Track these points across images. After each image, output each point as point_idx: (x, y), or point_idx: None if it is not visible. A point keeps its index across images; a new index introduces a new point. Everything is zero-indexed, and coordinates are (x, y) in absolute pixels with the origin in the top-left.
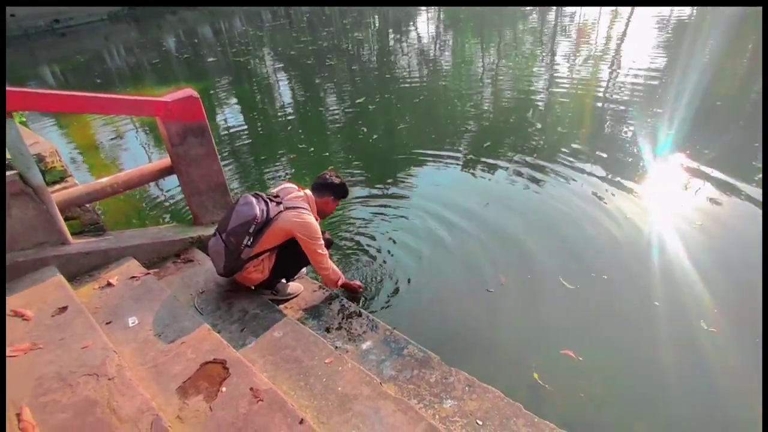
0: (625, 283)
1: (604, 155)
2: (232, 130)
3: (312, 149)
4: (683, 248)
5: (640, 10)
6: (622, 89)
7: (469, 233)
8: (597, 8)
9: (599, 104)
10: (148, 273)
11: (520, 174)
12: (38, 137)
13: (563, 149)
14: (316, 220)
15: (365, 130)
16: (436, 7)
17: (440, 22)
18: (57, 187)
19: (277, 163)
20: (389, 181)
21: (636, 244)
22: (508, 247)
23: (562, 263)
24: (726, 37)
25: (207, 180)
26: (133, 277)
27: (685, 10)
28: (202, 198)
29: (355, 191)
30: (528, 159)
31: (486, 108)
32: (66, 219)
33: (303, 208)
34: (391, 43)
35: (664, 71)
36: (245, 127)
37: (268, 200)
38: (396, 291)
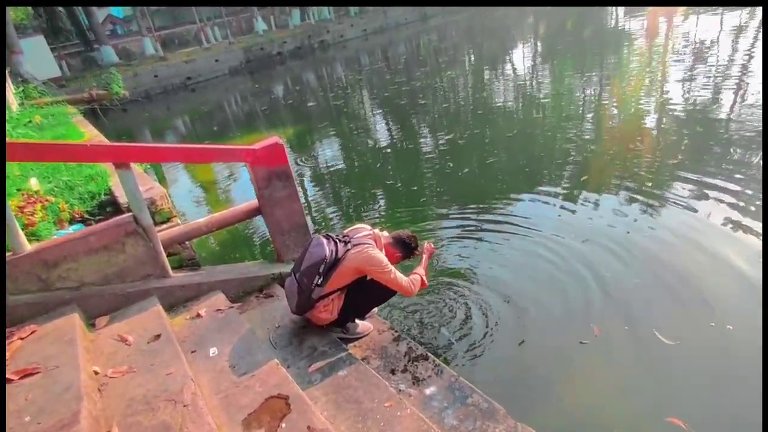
0: (755, 339)
1: (727, 189)
2: (326, 168)
3: (399, 185)
4: None
5: None
6: (753, 112)
7: (563, 273)
8: (717, 25)
9: (721, 131)
10: (232, 307)
11: (623, 209)
12: (153, 183)
13: (676, 182)
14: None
15: (452, 165)
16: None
17: (537, 55)
18: (164, 226)
19: (366, 198)
20: (479, 215)
21: None
22: (606, 291)
23: (669, 313)
24: None
25: (289, 220)
26: (219, 309)
27: None
28: (284, 237)
29: (444, 224)
30: (633, 192)
31: (586, 138)
32: (168, 255)
33: (366, 244)
34: (485, 78)
35: None
36: (339, 164)
37: (337, 240)
38: (476, 332)
